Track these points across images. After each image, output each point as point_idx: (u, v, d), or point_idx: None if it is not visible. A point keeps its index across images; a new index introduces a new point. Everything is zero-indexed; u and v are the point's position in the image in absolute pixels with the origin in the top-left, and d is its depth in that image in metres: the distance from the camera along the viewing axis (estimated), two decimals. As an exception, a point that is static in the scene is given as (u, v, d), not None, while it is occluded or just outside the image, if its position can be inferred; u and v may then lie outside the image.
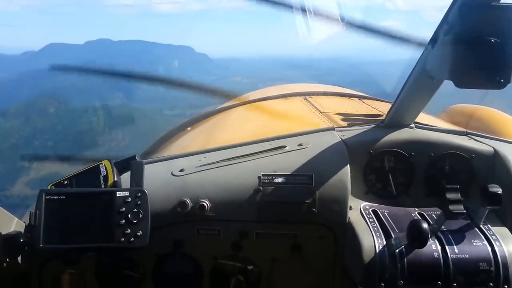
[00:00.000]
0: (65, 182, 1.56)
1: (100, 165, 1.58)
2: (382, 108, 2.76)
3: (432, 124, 1.98)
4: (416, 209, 1.70)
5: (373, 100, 3.23)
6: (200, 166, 1.71)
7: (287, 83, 4.51)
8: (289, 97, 3.21)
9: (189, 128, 3.12)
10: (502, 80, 1.23)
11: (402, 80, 1.71)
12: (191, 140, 2.91)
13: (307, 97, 3.16)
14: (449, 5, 1.33)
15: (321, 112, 2.61)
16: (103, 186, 1.51)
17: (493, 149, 1.74)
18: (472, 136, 1.86)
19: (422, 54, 1.52)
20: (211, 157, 1.78)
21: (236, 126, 2.80)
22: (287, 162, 1.69)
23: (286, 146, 1.78)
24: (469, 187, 1.73)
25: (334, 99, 3.24)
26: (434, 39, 1.41)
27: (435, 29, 1.41)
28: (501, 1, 1.22)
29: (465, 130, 1.91)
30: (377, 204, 1.73)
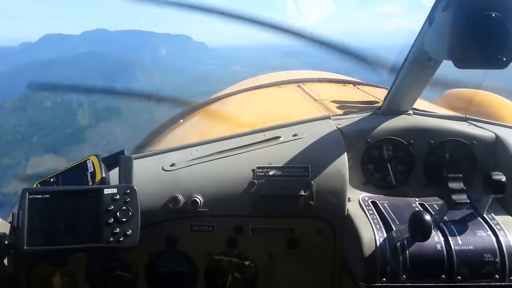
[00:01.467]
0: (51, 179, 1.51)
1: (87, 161, 1.51)
2: (378, 94, 2.70)
3: (430, 110, 1.92)
4: (417, 199, 1.65)
5: (369, 86, 3.16)
6: (192, 160, 1.65)
7: (284, 70, 4.44)
8: (283, 85, 3.13)
9: (181, 121, 3.05)
10: (504, 59, 1.15)
11: (398, 64, 1.65)
12: (184, 132, 2.84)
13: (300, 84, 3.09)
14: None
15: (315, 100, 2.55)
16: (90, 183, 1.45)
17: (494, 135, 1.69)
18: (472, 122, 1.80)
19: (419, 34, 1.45)
20: (203, 150, 1.72)
21: (229, 117, 2.73)
22: (282, 154, 1.63)
23: (280, 137, 1.72)
24: (470, 175, 1.67)
25: (329, 86, 3.18)
26: (431, 16, 1.33)
27: (432, 6, 1.33)
28: None
29: (464, 115, 1.85)
30: (376, 195, 1.68)
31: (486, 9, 1.12)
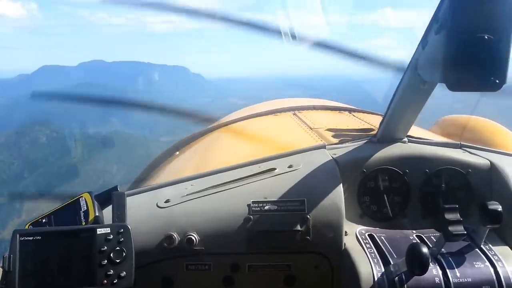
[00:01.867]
0: (44, 220, 1.48)
1: (80, 199, 1.49)
2: (373, 121, 2.73)
3: (424, 137, 1.92)
4: (414, 231, 1.63)
5: (364, 113, 3.18)
6: (187, 195, 1.64)
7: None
8: (278, 113, 3.15)
9: (177, 153, 3.06)
10: (497, 81, 1.15)
11: (392, 90, 1.67)
12: (180, 165, 2.83)
13: (296, 112, 3.10)
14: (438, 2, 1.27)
15: (311, 129, 2.55)
16: (83, 223, 1.43)
17: (489, 162, 1.69)
18: (466, 149, 1.81)
19: (412, 58, 1.47)
20: (198, 184, 1.71)
21: (225, 147, 2.73)
22: (277, 187, 1.63)
23: (276, 169, 1.72)
24: (466, 204, 1.66)
25: (324, 114, 3.19)
26: (424, 39, 1.35)
27: (425, 29, 1.35)
28: None
29: (459, 142, 1.85)
30: (373, 227, 1.66)
31: (479, 31, 1.13)
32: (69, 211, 1.46)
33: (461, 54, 1.15)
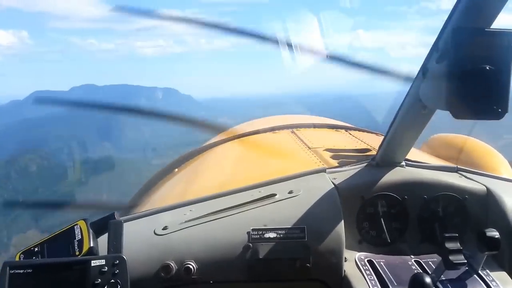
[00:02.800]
0: (36, 249, 1.41)
1: (75, 226, 1.42)
2: (370, 140, 2.77)
3: (418, 158, 1.96)
4: (413, 256, 1.64)
5: (360, 131, 3.23)
6: (185, 222, 1.61)
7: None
8: (277, 131, 3.19)
9: (176, 170, 3.02)
10: (499, 110, 1.19)
11: (392, 112, 1.69)
12: (177, 186, 2.76)
13: (294, 130, 3.14)
14: (438, 32, 1.31)
15: (309, 148, 2.58)
16: (77, 253, 1.37)
17: (485, 188, 1.71)
18: (463, 173, 1.83)
19: (413, 83, 1.50)
20: (197, 209, 1.68)
21: (224, 166, 2.72)
22: (277, 213, 1.62)
23: (276, 195, 1.71)
24: (464, 230, 1.67)
25: (322, 132, 3.25)
26: (425, 67, 1.39)
27: (425, 57, 1.39)
28: (494, 27, 1.20)
29: (455, 166, 1.88)
30: (371, 253, 1.66)
31: (480, 62, 1.16)
32: (63, 239, 1.40)
33: (464, 84, 1.17)
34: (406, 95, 1.56)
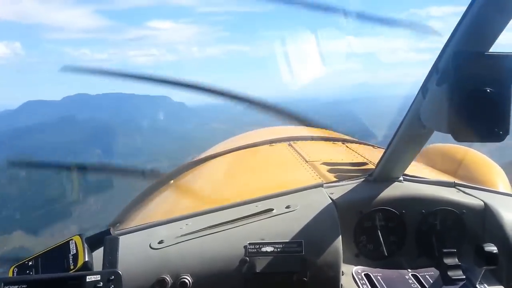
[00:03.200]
0: (30, 263, 1.39)
1: (70, 241, 1.41)
2: (366, 153, 2.78)
3: (414, 169, 1.97)
4: (410, 270, 1.64)
5: (357, 143, 3.25)
6: (182, 236, 1.59)
7: (262, 127, 4.48)
8: (274, 143, 3.19)
9: (172, 181, 2.99)
10: (501, 132, 1.19)
11: (392, 128, 1.70)
12: (172, 199, 2.74)
13: (291, 142, 3.14)
14: (438, 53, 1.33)
15: (306, 162, 2.57)
16: (72, 267, 1.36)
17: (483, 203, 1.72)
18: (460, 188, 1.85)
19: (413, 103, 1.51)
20: (194, 223, 1.67)
21: (220, 180, 2.71)
22: (275, 228, 1.61)
23: (273, 209, 1.70)
24: (461, 244, 1.68)
25: (319, 145, 3.26)
26: (425, 87, 1.40)
27: (425, 78, 1.40)
28: (494, 50, 1.21)
29: (453, 181, 1.90)
30: (368, 266, 1.66)
31: (481, 85, 1.16)
32: (57, 254, 1.39)
33: (465, 107, 1.17)
34: (406, 114, 1.58)
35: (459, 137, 1.24)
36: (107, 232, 1.43)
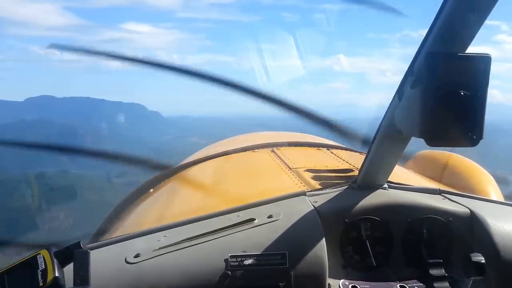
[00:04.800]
0: None
1: (38, 256, 1.32)
2: (351, 159, 2.73)
3: (402, 176, 1.97)
4: (398, 282, 1.60)
5: (341, 149, 3.18)
6: (159, 249, 1.51)
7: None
8: (256, 149, 3.08)
9: (151, 190, 2.88)
10: (474, 137, 1.18)
11: (371, 132, 1.68)
12: (150, 209, 2.62)
13: (274, 148, 3.05)
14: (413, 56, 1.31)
15: (290, 169, 2.50)
16: (41, 283, 1.26)
17: (469, 211, 1.71)
18: (446, 195, 1.85)
19: (389, 107, 1.49)
20: (172, 235, 1.59)
21: (201, 188, 2.63)
22: (257, 239, 1.55)
23: (255, 219, 1.65)
24: (448, 253, 1.67)
25: (303, 150, 3.16)
26: (400, 91, 1.37)
27: (400, 80, 1.38)
28: (467, 51, 1.18)
29: (438, 188, 1.90)
30: (355, 278, 1.62)
31: (455, 88, 1.14)
32: (25, 269, 1.30)
33: (438, 111, 1.15)
34: (382, 119, 1.55)
35: (432, 142, 1.22)
36: (77, 245, 1.34)
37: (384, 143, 1.58)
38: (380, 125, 1.57)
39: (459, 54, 1.16)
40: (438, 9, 1.17)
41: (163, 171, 3.06)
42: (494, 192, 2.49)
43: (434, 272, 1.41)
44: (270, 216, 1.65)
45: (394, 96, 1.42)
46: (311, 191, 1.87)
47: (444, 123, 1.15)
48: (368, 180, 1.75)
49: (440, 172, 2.72)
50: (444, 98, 1.13)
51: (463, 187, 2.20)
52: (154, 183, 2.95)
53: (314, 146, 3.22)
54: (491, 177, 2.64)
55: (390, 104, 1.46)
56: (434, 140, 1.20)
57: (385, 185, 1.78)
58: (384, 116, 1.53)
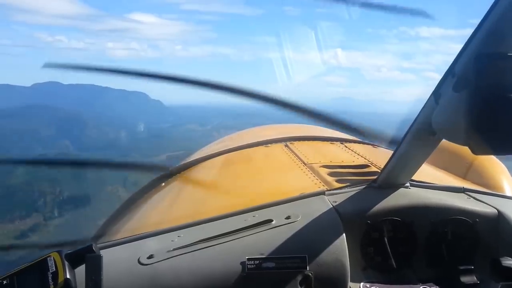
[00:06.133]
0: (4, 282, 1.29)
1: (48, 258, 1.29)
2: (367, 153, 2.69)
3: (423, 172, 1.85)
4: (421, 284, 1.55)
5: (355, 143, 3.09)
6: (173, 250, 1.46)
7: (239, 130, 4.26)
8: (269, 144, 3.00)
9: (163, 184, 2.80)
10: None
11: (400, 133, 1.62)
12: (161, 207, 2.54)
13: (288, 143, 2.98)
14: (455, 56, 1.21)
15: (305, 164, 2.44)
16: (52, 286, 1.24)
17: (496, 211, 1.63)
18: (470, 194, 1.77)
19: (423, 108, 1.41)
20: (187, 235, 1.54)
21: (213, 185, 2.54)
22: (275, 241, 1.49)
23: (272, 220, 1.58)
24: (473, 254, 1.61)
25: (316, 145, 3.10)
26: (437, 92, 1.29)
27: (438, 81, 1.29)
28: None
29: (462, 186, 1.82)
30: (376, 280, 1.58)
31: (505, 91, 1.04)
32: (35, 272, 1.26)
33: (487, 117, 1.06)
34: (416, 119, 1.47)
35: (478, 151, 1.13)
36: (89, 248, 1.27)
37: (414, 144, 1.51)
38: (411, 126, 1.49)
39: (508, 54, 1.06)
40: (485, 9, 1.08)
41: (172, 168, 2.95)
42: None
43: (465, 279, 1.34)
44: (288, 217, 1.59)
45: (429, 97, 1.33)
46: (330, 190, 1.81)
47: (494, 131, 1.05)
48: (390, 179, 1.69)
49: (464, 168, 2.57)
50: (493, 103, 1.04)
51: (490, 185, 2.06)
52: (160, 182, 2.84)
53: (328, 140, 3.14)
54: None
55: (425, 105, 1.38)
56: (480, 148, 1.10)
57: (407, 184, 1.72)
58: (418, 116, 1.45)
